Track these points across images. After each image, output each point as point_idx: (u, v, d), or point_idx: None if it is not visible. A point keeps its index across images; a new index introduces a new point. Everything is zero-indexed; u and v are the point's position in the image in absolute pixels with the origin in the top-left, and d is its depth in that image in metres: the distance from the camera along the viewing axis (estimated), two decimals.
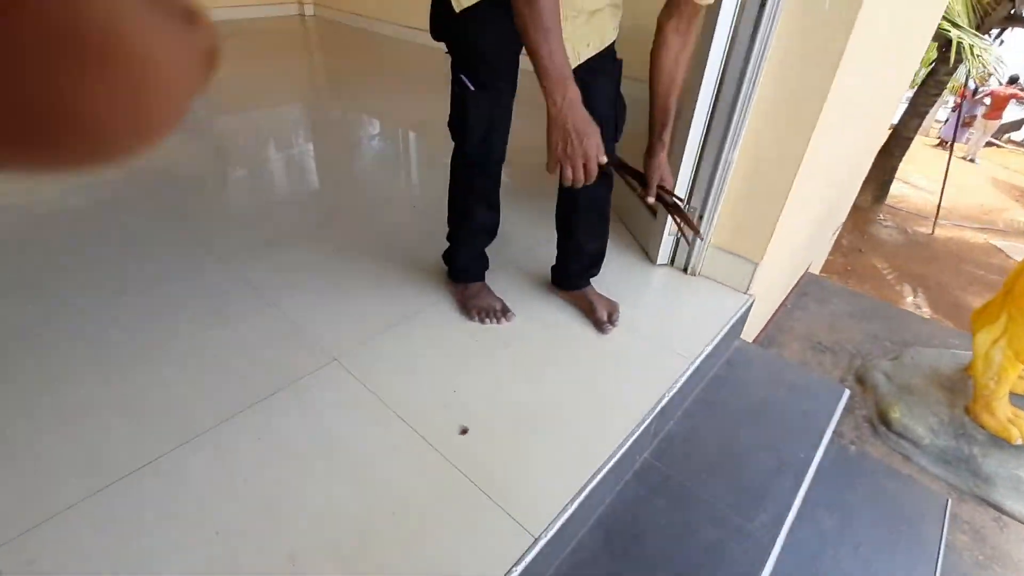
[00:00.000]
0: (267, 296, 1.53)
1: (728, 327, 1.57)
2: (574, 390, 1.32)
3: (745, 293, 1.69)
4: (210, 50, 0.21)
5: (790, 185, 1.49)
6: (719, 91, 1.49)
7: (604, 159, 1.01)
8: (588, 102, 1.23)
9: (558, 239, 1.51)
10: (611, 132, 1.27)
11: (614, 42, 1.23)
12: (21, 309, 1.43)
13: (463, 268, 1.50)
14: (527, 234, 1.86)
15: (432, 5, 1.19)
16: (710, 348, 1.48)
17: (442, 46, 1.22)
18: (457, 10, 1.08)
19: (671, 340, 1.50)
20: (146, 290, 1.53)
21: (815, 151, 1.48)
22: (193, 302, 1.49)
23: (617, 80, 1.26)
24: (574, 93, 0.96)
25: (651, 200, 1.22)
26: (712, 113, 1.52)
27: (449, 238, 1.50)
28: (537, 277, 1.68)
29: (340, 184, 2.30)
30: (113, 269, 1.61)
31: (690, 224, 1.26)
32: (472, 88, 1.18)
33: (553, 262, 1.58)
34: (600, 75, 1.23)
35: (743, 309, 1.65)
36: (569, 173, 1.00)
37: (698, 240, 1.68)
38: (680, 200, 1.34)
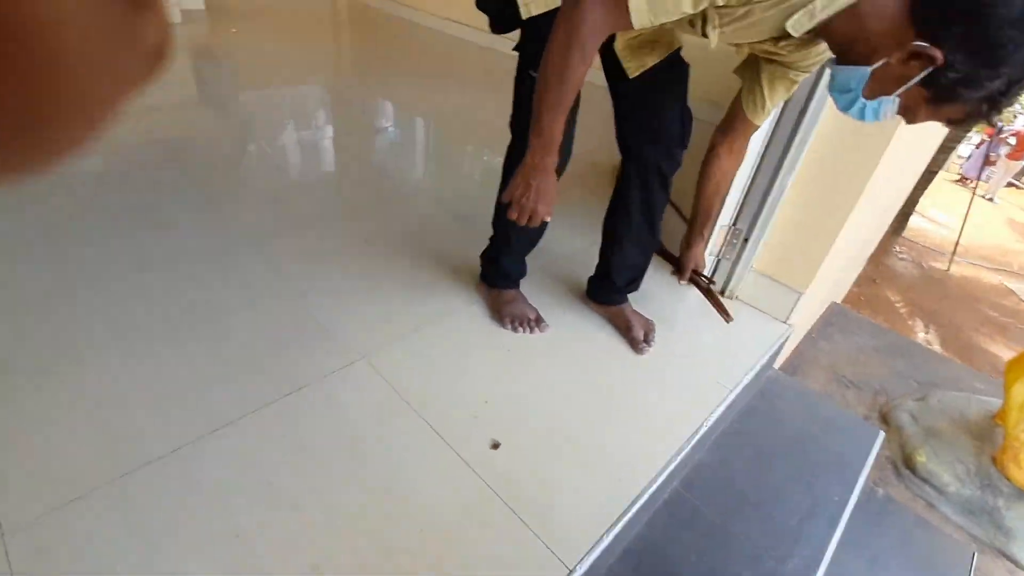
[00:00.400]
0: (294, 283, 1.48)
1: (767, 357, 1.52)
2: (609, 410, 1.27)
3: (785, 323, 1.63)
4: (157, 45, 0.17)
5: (847, 215, 1.43)
6: (781, 112, 1.43)
7: (548, 219, 1.07)
8: (655, 107, 1.19)
9: (602, 248, 1.46)
10: (677, 140, 1.22)
11: (680, 47, 1.18)
12: (39, 277, 1.37)
13: (503, 273, 1.45)
14: (564, 243, 1.81)
15: None
16: (749, 378, 1.43)
17: (482, 19, 1.17)
18: (524, 16, 1.03)
19: (708, 366, 1.45)
20: (170, 266, 1.47)
21: (876, 181, 1.42)
22: (219, 284, 1.44)
23: (684, 85, 1.21)
24: (552, 161, 1.01)
25: (683, 283, 1.30)
26: (772, 134, 1.46)
27: (493, 240, 1.44)
28: (572, 288, 1.62)
29: (367, 171, 2.25)
30: (136, 241, 1.56)
31: (721, 308, 1.29)
32: None
33: (590, 273, 1.53)
34: (667, 80, 1.18)
35: (782, 339, 1.59)
36: (514, 215, 1.05)
37: (742, 263, 1.63)
38: (713, 283, 1.40)
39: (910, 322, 5.73)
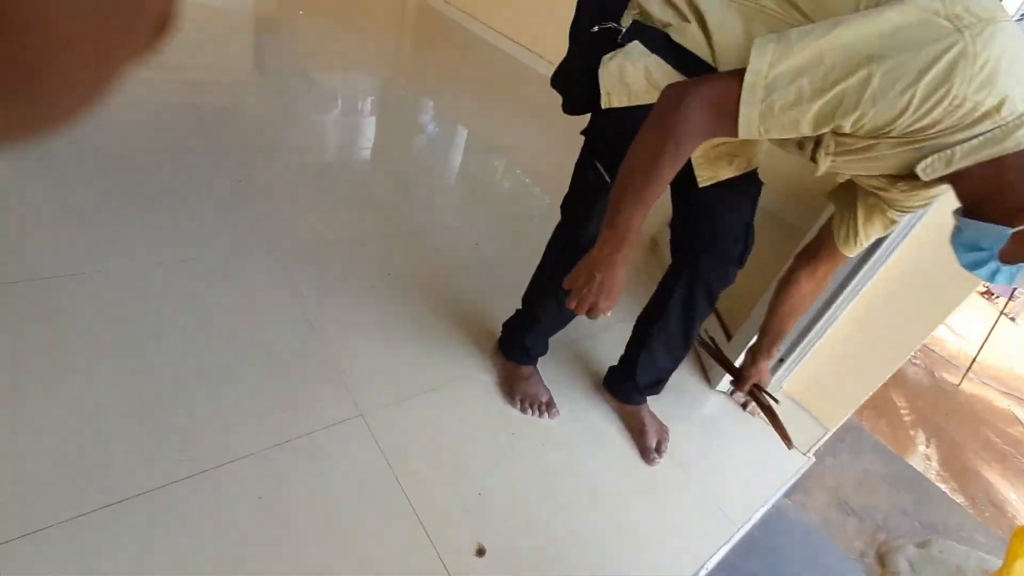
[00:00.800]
0: (309, 311, 1.41)
1: (781, 492, 1.42)
2: (607, 527, 1.18)
3: (805, 455, 1.54)
4: (161, 15, 0.17)
5: (899, 361, 1.34)
6: None
7: (609, 317, 0.98)
8: (720, 221, 1.11)
9: (630, 343, 1.37)
10: (735, 260, 1.14)
11: (758, 166, 1.11)
12: (43, 247, 1.30)
13: (523, 349, 1.37)
14: (593, 323, 1.71)
15: (570, 71, 1.05)
16: (759, 515, 1.34)
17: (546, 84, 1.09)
18: (604, 106, 0.95)
19: (718, 492, 1.35)
20: (179, 263, 1.40)
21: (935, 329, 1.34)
22: (227, 296, 1.37)
23: (754, 203, 1.13)
24: (622, 256, 0.92)
25: (741, 396, 1.16)
26: None
27: (519, 314, 1.36)
28: (590, 371, 1.54)
29: (401, 193, 2.15)
30: (149, 225, 1.48)
31: (783, 432, 1.17)
32: (609, 181, 1.05)
33: (612, 359, 1.44)
34: (738, 195, 1.10)
35: (799, 473, 1.50)
36: (573, 303, 0.97)
37: (772, 383, 1.53)
38: (776, 402, 1.26)
39: (912, 432, 5.58)
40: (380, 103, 2.97)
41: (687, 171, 1.07)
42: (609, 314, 0.97)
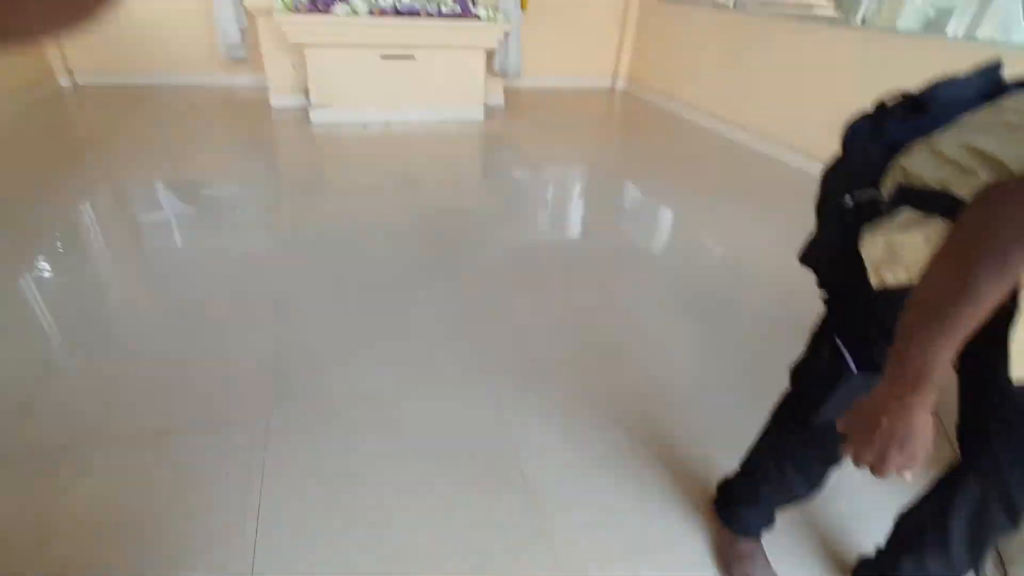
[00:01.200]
0: (512, 435, 1.47)
1: None
2: None
3: None
4: None
5: None
6: None
7: (909, 477, 0.72)
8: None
9: (891, 538, 1.08)
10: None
11: None
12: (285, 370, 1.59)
13: (741, 520, 1.19)
14: (844, 495, 1.38)
15: (823, 249, 0.93)
16: None
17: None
18: (877, 287, 0.80)
19: None
20: (400, 387, 1.60)
21: None
22: (442, 417, 1.52)
23: None
24: (923, 401, 0.68)
25: None
26: None
27: (739, 478, 1.20)
28: (833, 551, 1.26)
29: (612, 300, 2.12)
30: (368, 343, 1.75)
31: None
32: (853, 369, 0.87)
33: (870, 554, 1.15)
34: None
35: None
36: (849, 452, 0.75)
37: None
38: None
39: None
40: (590, 202, 3.09)
41: (992, 343, 0.82)
42: (908, 476, 0.75)
